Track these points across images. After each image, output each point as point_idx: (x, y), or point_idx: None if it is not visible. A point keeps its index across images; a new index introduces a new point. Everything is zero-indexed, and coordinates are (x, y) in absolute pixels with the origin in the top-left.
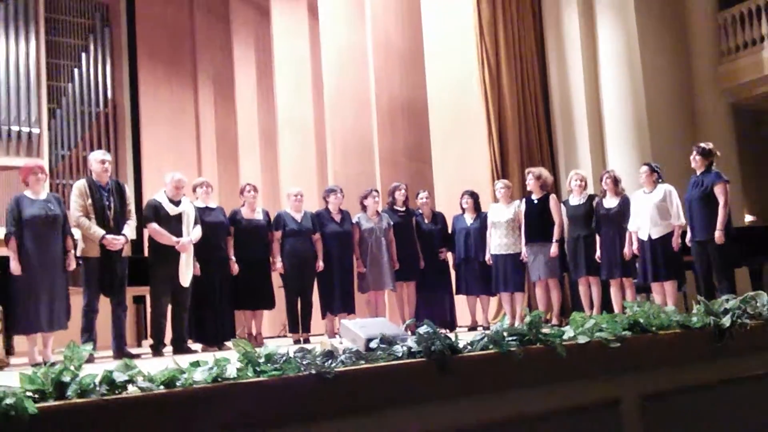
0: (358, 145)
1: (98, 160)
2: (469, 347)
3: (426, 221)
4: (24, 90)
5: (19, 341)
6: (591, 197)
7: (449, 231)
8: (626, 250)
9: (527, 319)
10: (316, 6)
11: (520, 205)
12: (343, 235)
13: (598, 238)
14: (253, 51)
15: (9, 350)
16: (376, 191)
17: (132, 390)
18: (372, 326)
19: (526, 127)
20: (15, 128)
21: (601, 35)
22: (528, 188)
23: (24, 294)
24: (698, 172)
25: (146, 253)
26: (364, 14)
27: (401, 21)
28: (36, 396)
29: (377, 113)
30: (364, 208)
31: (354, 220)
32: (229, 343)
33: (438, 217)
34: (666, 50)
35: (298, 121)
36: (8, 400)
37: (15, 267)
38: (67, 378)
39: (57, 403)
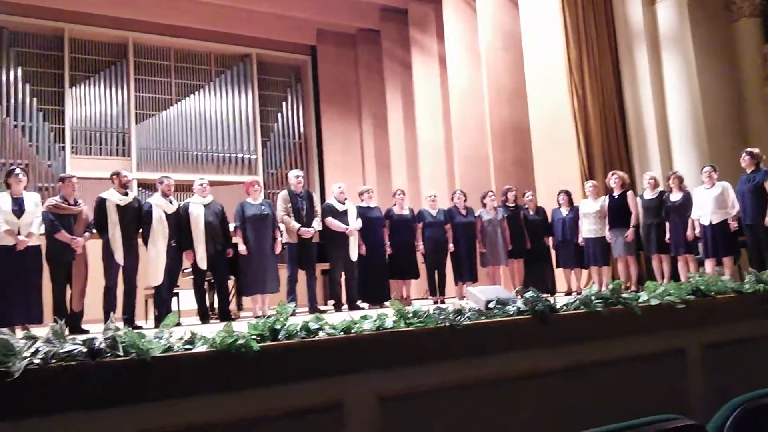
0: (477, 159)
1: (294, 176)
2: (565, 307)
3: (531, 213)
4: (245, 129)
5: (246, 300)
6: (661, 192)
7: (549, 220)
8: (689, 233)
9: (611, 286)
10: (445, 59)
11: (604, 200)
12: (468, 225)
13: (667, 224)
14: (400, 94)
15: (239, 306)
16: (492, 192)
17: (321, 334)
18: (490, 292)
19: (608, 139)
20: (239, 155)
21: (666, 65)
22: (610, 186)
23: (248, 268)
24: (748, 171)
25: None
26: (480, 63)
27: (508, 65)
28: (258, 338)
29: (491, 134)
30: (484, 204)
31: (476, 214)
32: (387, 303)
33: (540, 211)
34: (719, 75)
35: (433, 142)
36: (240, 341)
37: (242, 249)
38: (278, 326)
39: (272, 343)
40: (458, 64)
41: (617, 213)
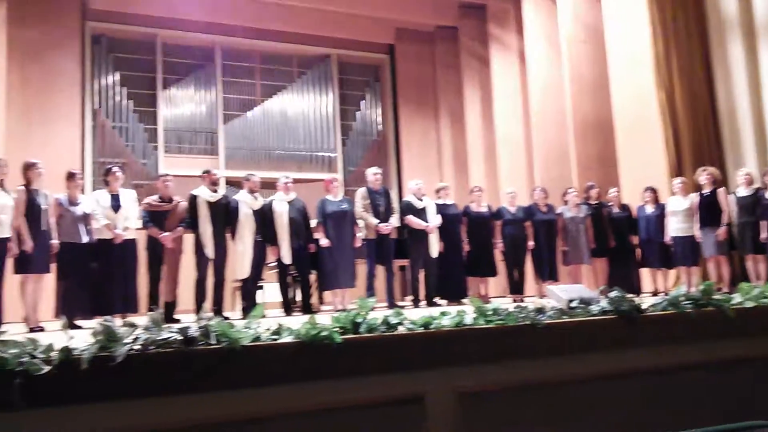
0: (557, 155)
1: (372, 173)
2: (652, 308)
3: (616, 210)
4: (325, 128)
5: (326, 294)
6: (757, 189)
7: (634, 218)
8: None
9: (701, 287)
10: (524, 54)
11: (694, 197)
12: (549, 223)
13: (763, 223)
14: (478, 90)
15: (321, 300)
16: (574, 189)
17: (401, 329)
18: (572, 291)
19: (698, 134)
20: (320, 153)
21: (762, 56)
22: (700, 183)
23: (329, 263)
24: None
25: (405, 236)
26: (560, 56)
27: (590, 58)
28: (340, 331)
29: (573, 129)
30: (565, 202)
31: (558, 211)
32: (465, 300)
33: (625, 208)
34: None
35: (511, 138)
36: (324, 333)
37: (325, 242)
38: (359, 319)
39: (354, 336)
40: (538, 58)
41: (708, 211)
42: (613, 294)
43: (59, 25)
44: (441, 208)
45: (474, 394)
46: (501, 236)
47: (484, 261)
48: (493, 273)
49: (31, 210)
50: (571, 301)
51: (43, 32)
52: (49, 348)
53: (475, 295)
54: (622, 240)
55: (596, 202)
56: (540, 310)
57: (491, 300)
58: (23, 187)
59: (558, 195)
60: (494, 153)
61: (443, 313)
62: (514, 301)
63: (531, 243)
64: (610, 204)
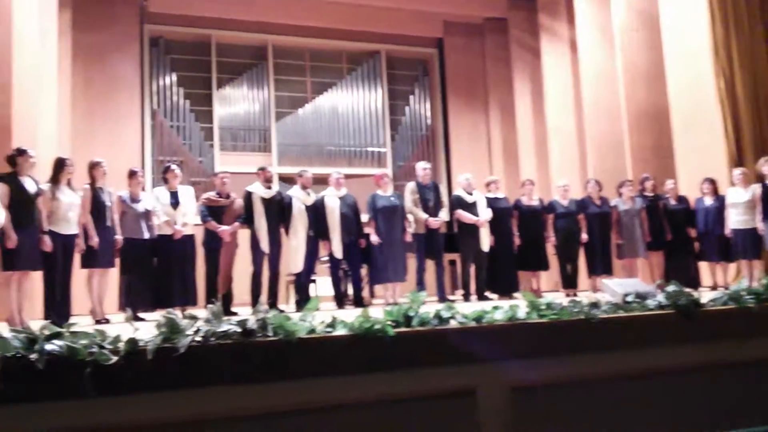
0: (611, 145)
1: (422, 167)
2: (712, 303)
3: (672, 203)
4: (374, 123)
5: (377, 288)
6: None
7: (692, 210)
8: None
9: (764, 281)
10: (575, 43)
11: (756, 188)
12: (603, 216)
13: None
14: (528, 82)
15: (372, 294)
16: (629, 181)
17: (453, 323)
18: (628, 285)
19: (759, 123)
20: (369, 149)
21: None
22: (763, 174)
23: (379, 257)
24: None
25: (456, 230)
26: (613, 45)
27: (644, 46)
28: (393, 324)
29: (627, 119)
30: (620, 194)
31: (612, 204)
32: (516, 294)
33: (682, 200)
34: None
35: (563, 129)
36: (377, 326)
37: (375, 239)
38: (412, 313)
39: (406, 329)
40: (590, 48)
41: None
42: (671, 288)
43: (120, 28)
44: (491, 202)
45: (526, 388)
46: (553, 230)
47: (536, 255)
48: (545, 267)
49: (97, 207)
50: (626, 295)
51: (105, 36)
52: (117, 339)
53: (527, 290)
54: (680, 233)
55: (652, 194)
56: (594, 305)
57: (543, 294)
58: (88, 186)
59: (612, 187)
60: (545, 145)
61: (495, 307)
62: (567, 295)
63: (584, 236)
64: (666, 196)
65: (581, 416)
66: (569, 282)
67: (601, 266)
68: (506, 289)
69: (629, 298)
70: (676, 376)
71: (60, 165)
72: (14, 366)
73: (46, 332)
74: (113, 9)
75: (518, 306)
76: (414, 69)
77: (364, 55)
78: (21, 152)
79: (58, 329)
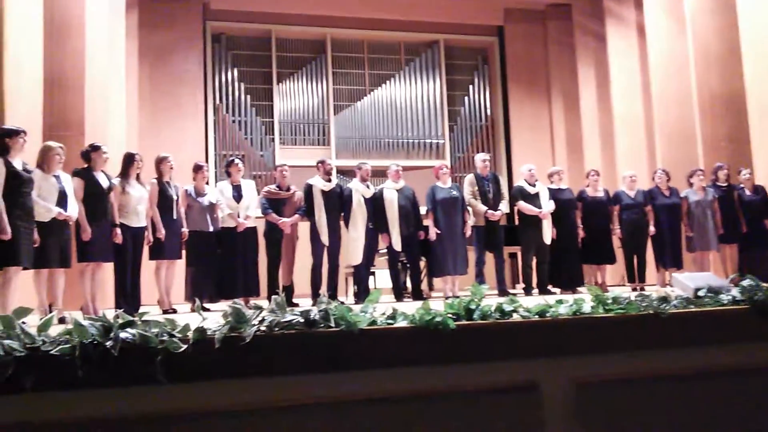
0: (681, 134)
1: (481, 159)
2: None
3: (748, 193)
4: (432, 114)
5: (436, 281)
6: None
7: None
8: None
9: None
10: (643, 28)
11: None
12: (672, 207)
13: None
14: (593, 69)
15: (430, 286)
16: (701, 170)
17: (515, 317)
18: (700, 279)
19: None
20: (428, 140)
21: None
22: None
23: (439, 249)
24: None
25: (516, 222)
26: (684, 29)
27: (718, 30)
28: (454, 317)
29: (699, 106)
30: (690, 184)
31: (682, 195)
32: (580, 288)
33: (759, 190)
34: None
35: (630, 117)
36: (437, 319)
37: (432, 234)
38: (473, 306)
39: (467, 322)
40: (659, 32)
41: None
42: (746, 282)
43: (184, 27)
44: (554, 194)
45: (591, 384)
46: (619, 222)
47: (601, 248)
48: (610, 260)
49: (164, 201)
50: (698, 289)
51: (169, 35)
52: (186, 328)
53: (592, 284)
54: (756, 225)
55: (725, 184)
56: (664, 299)
57: (609, 288)
58: (156, 180)
59: (681, 177)
60: (611, 134)
61: (559, 301)
62: (634, 289)
63: (652, 229)
64: (741, 186)
65: (647, 414)
66: (636, 276)
67: (670, 260)
68: (570, 283)
69: (701, 293)
70: (750, 376)
71: (129, 160)
72: (91, 352)
73: (120, 321)
74: (177, 8)
75: (583, 300)
76: (473, 58)
77: (423, 45)
78: (95, 148)
79: (131, 318)
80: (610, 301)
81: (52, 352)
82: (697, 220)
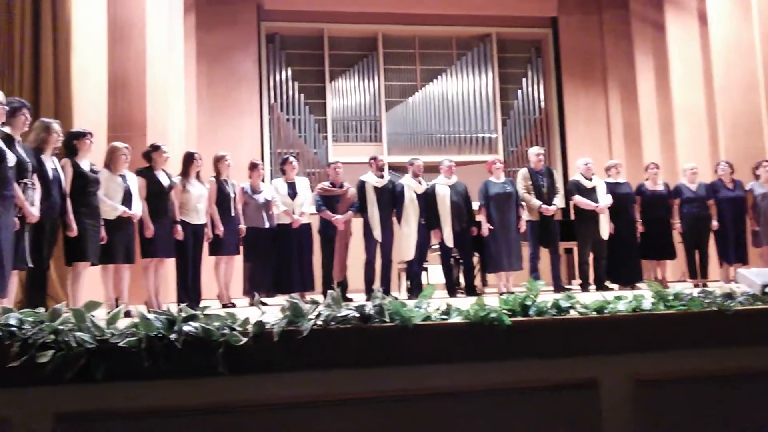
0: (746, 124)
1: (534, 153)
2: None
3: None
4: (485, 108)
5: (490, 276)
6: None
7: None
8: None
9: None
10: (705, 15)
11: None
12: (736, 200)
13: None
14: (652, 58)
15: (484, 282)
16: (767, 161)
17: (573, 313)
18: (767, 275)
19: None
20: (480, 135)
21: None
22: None
23: (492, 245)
24: None
25: (572, 217)
26: (750, 15)
27: None
28: (509, 313)
29: (765, 95)
30: (756, 176)
31: (747, 187)
32: (639, 284)
33: None
34: None
35: (691, 108)
36: (492, 314)
37: (485, 231)
38: (528, 302)
39: (523, 318)
40: (722, 18)
41: None
42: None
43: (239, 27)
44: (612, 188)
45: (652, 381)
46: (679, 216)
47: (661, 243)
48: (671, 255)
49: (222, 198)
50: (765, 285)
51: (226, 36)
52: (245, 321)
53: (651, 279)
54: None
55: None
56: (729, 296)
57: (669, 285)
58: (214, 178)
59: (747, 169)
60: (671, 125)
61: (618, 298)
62: (696, 285)
63: (715, 223)
64: None
65: (708, 413)
66: (698, 272)
67: (734, 255)
68: (628, 279)
69: None
70: None
71: (189, 159)
72: (156, 345)
73: (183, 314)
74: (233, 9)
75: (643, 296)
76: (526, 51)
77: (474, 39)
78: (156, 148)
79: (194, 312)
80: (671, 298)
81: (120, 344)
82: (764, 214)
